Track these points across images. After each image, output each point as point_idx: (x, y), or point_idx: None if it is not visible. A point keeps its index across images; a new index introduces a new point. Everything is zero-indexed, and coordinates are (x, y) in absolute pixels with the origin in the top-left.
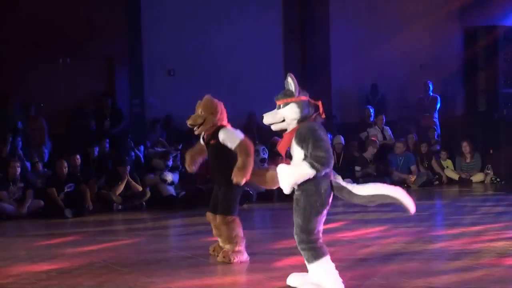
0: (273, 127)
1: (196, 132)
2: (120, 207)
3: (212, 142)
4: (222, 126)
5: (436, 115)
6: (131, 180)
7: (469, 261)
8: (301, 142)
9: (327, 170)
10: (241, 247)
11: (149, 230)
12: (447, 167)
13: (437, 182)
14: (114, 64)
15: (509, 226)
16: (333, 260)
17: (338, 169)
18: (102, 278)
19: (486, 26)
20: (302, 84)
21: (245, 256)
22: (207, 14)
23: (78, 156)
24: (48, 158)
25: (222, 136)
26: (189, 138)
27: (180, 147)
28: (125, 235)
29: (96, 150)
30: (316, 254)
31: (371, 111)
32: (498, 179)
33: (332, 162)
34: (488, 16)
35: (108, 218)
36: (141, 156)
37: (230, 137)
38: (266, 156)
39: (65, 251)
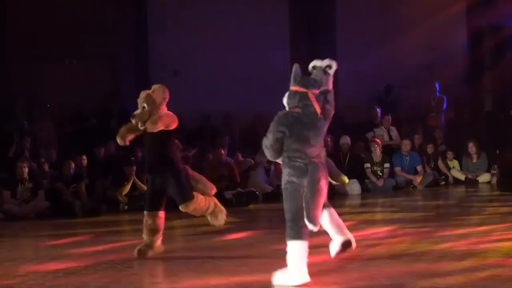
0: None
1: (141, 128)
2: (126, 207)
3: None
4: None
5: (442, 115)
6: (137, 180)
7: (475, 262)
8: None
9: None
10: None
11: None
12: (453, 167)
13: (443, 183)
14: (120, 64)
15: None
16: (340, 260)
17: (344, 169)
18: (108, 279)
19: (493, 26)
20: None
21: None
22: (213, 14)
23: (84, 157)
24: (56, 158)
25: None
26: (197, 139)
27: (195, 150)
28: (131, 235)
29: (103, 150)
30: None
31: (378, 111)
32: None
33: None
34: (495, 16)
35: (114, 218)
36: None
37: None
38: None
39: (71, 251)
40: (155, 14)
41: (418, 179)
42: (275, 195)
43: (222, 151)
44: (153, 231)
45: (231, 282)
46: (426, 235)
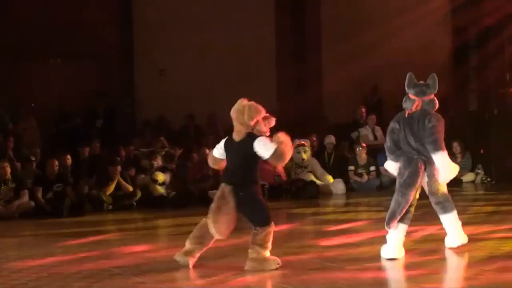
0: None
1: None
2: (110, 207)
3: None
4: None
5: None
6: (122, 180)
7: (460, 261)
8: None
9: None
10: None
11: (139, 230)
12: None
13: None
14: (105, 64)
15: (499, 226)
16: (323, 260)
17: (328, 169)
18: (92, 279)
19: (477, 26)
20: (296, 85)
21: None
22: (199, 15)
23: (69, 156)
24: (40, 158)
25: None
26: (181, 138)
27: (180, 150)
28: (115, 235)
29: (87, 150)
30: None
31: (363, 111)
32: (488, 179)
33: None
34: (480, 16)
35: (98, 218)
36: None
37: None
38: None
39: (55, 251)
40: (141, 13)
41: None
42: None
43: (207, 151)
44: None
45: (216, 281)
46: (410, 234)
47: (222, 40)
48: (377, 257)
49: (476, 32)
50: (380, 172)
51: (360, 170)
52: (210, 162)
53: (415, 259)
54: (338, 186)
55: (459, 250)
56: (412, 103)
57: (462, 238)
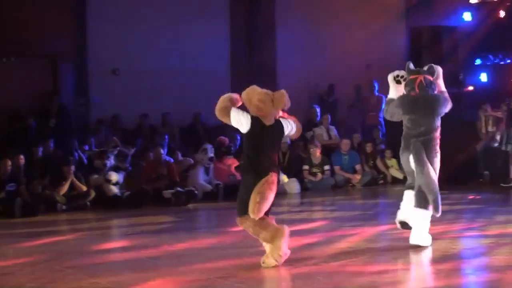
0: None
1: None
2: (64, 207)
3: None
4: None
5: (381, 114)
6: (76, 180)
7: (414, 259)
8: None
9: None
10: None
11: (93, 230)
12: (391, 166)
13: (381, 181)
14: (58, 62)
15: (452, 225)
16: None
17: (283, 168)
18: (45, 279)
19: (431, 26)
20: (250, 84)
21: None
22: (153, 14)
23: (21, 156)
24: None
25: None
26: (135, 138)
27: (134, 149)
28: (69, 235)
29: (41, 150)
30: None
31: (317, 110)
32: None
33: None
34: (434, 17)
35: (52, 218)
36: (84, 157)
37: None
38: (213, 154)
39: (7, 251)
40: (94, 12)
41: (357, 178)
42: (214, 194)
43: (161, 150)
44: None
45: (169, 281)
46: (363, 233)
47: (175, 38)
48: (332, 256)
49: (430, 32)
50: (334, 171)
51: (314, 170)
52: (220, 114)
53: (370, 258)
54: (292, 185)
55: (413, 250)
56: (414, 81)
57: (428, 240)
